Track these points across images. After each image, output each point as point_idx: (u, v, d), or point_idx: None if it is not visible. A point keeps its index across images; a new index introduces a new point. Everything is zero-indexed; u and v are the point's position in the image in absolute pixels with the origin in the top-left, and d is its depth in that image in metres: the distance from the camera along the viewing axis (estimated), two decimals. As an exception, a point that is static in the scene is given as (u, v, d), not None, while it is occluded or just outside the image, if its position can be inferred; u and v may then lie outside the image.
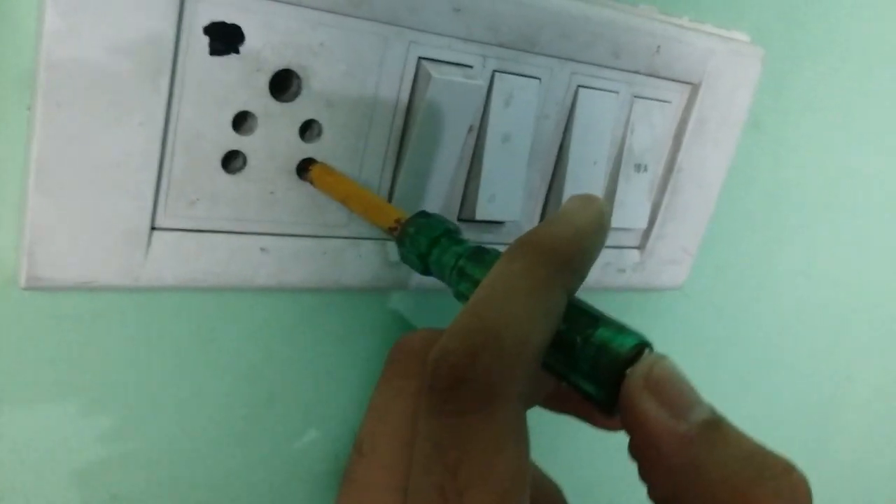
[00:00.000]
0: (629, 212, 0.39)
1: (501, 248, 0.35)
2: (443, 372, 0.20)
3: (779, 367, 0.56)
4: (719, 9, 0.38)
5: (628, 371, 0.21)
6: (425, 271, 0.27)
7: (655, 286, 0.43)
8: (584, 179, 0.36)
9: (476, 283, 0.24)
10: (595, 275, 0.39)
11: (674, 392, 0.20)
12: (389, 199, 0.32)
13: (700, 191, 0.41)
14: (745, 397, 0.55)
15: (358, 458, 0.23)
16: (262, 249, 0.30)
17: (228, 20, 0.26)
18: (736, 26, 0.39)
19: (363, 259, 0.32)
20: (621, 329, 0.22)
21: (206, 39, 0.26)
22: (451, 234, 0.26)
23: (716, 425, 0.20)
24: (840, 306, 0.57)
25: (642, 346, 0.21)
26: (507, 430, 0.20)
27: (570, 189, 0.36)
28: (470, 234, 0.35)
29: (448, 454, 0.19)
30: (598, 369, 0.21)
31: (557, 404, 0.27)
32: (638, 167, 0.38)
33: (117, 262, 0.27)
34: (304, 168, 0.29)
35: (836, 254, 0.53)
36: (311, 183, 0.29)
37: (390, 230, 0.27)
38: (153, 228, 0.27)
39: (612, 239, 0.40)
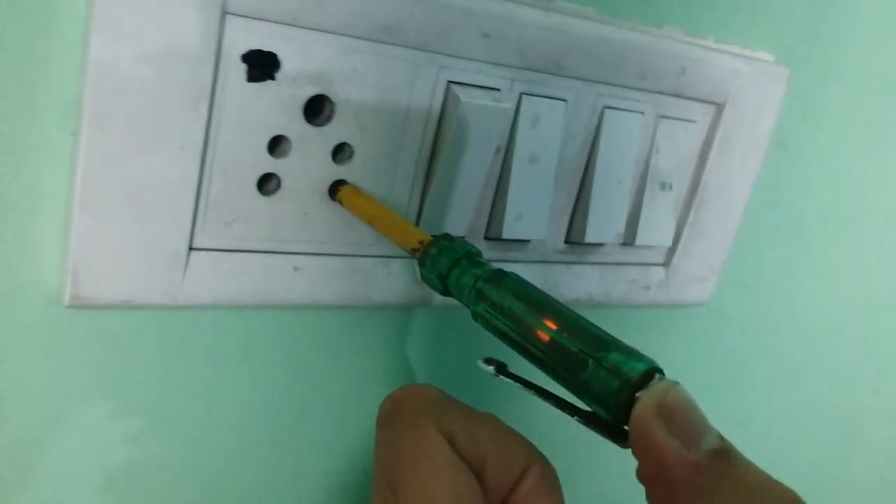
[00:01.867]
0: (654, 230, 0.39)
1: (526, 266, 0.36)
2: (384, 406, 0.25)
3: (804, 383, 0.56)
4: (744, 29, 0.39)
5: (639, 395, 0.21)
6: (444, 292, 0.27)
7: (680, 303, 0.43)
8: (609, 198, 0.37)
9: (493, 305, 0.25)
10: (620, 291, 0.40)
11: (685, 420, 0.21)
12: (418, 219, 0.33)
13: (725, 209, 0.41)
14: (770, 412, 0.55)
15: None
16: (296, 268, 0.30)
17: (265, 48, 0.27)
18: (761, 47, 0.40)
19: (392, 277, 0.33)
20: (633, 354, 0.22)
21: (243, 66, 0.27)
22: (472, 257, 0.27)
23: (725, 454, 0.20)
24: (865, 322, 0.56)
25: (653, 371, 0.22)
26: (436, 456, 0.23)
27: (596, 208, 0.36)
28: (496, 253, 0.35)
29: (388, 472, 0.23)
30: (608, 392, 0.22)
31: None
32: (663, 186, 0.38)
33: (157, 282, 0.28)
34: (336, 189, 0.30)
35: (860, 271, 0.53)
36: (340, 203, 0.30)
37: (413, 251, 0.28)
38: (191, 249, 0.28)
39: (637, 256, 0.40)
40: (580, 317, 0.24)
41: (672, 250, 0.41)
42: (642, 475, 0.21)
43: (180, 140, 0.26)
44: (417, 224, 0.33)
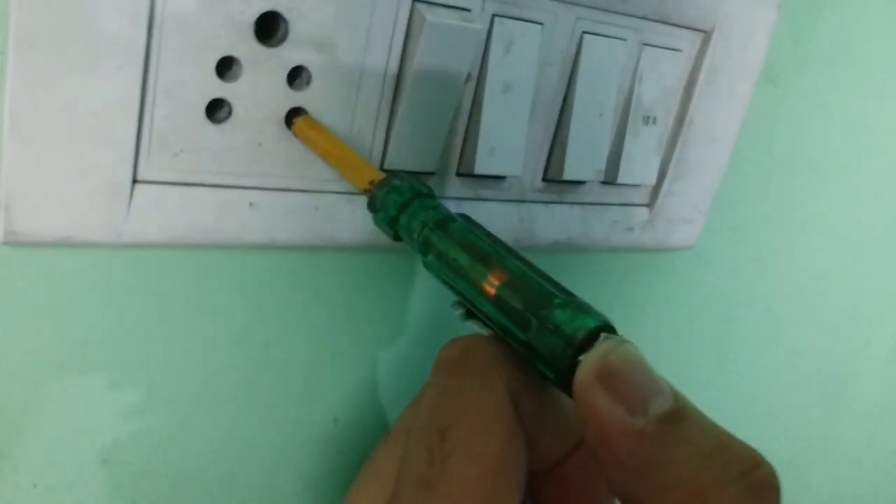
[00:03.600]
0: (637, 167, 0.37)
1: (502, 205, 0.34)
2: (450, 351, 0.24)
3: (794, 331, 0.54)
4: (733, -49, 0.37)
5: (581, 357, 0.19)
6: (396, 237, 0.25)
7: (666, 246, 0.41)
8: (589, 132, 0.35)
9: (439, 256, 0.23)
10: (602, 233, 0.38)
11: (630, 383, 0.19)
12: (384, 152, 0.31)
13: (712, 145, 0.39)
14: (758, 361, 0.53)
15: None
16: (251, 204, 0.28)
17: (208, -42, 0.25)
18: (751, -30, 0.37)
19: (358, 215, 0.31)
20: (580, 310, 0.20)
21: (184, -21, 0.24)
22: (423, 199, 0.25)
23: (676, 418, 0.18)
24: (859, 268, 0.55)
25: (600, 329, 0.20)
26: (498, 415, 0.21)
27: (575, 142, 0.34)
28: (468, 190, 0.33)
29: (441, 418, 0.22)
30: (553, 354, 0.20)
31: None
32: (646, 119, 0.36)
33: (98, 217, 0.26)
34: (293, 119, 0.28)
35: (855, 213, 0.52)
36: (295, 136, 0.28)
37: (365, 192, 0.26)
38: (135, 181, 0.26)
39: (619, 196, 0.38)
40: (532, 268, 0.22)
41: (656, 189, 0.39)
42: (591, 444, 0.19)
43: (118, 59, 0.24)
44: (383, 159, 0.31)
